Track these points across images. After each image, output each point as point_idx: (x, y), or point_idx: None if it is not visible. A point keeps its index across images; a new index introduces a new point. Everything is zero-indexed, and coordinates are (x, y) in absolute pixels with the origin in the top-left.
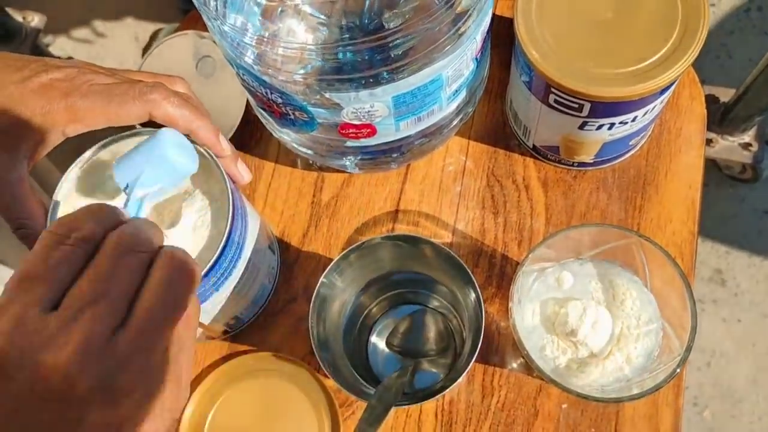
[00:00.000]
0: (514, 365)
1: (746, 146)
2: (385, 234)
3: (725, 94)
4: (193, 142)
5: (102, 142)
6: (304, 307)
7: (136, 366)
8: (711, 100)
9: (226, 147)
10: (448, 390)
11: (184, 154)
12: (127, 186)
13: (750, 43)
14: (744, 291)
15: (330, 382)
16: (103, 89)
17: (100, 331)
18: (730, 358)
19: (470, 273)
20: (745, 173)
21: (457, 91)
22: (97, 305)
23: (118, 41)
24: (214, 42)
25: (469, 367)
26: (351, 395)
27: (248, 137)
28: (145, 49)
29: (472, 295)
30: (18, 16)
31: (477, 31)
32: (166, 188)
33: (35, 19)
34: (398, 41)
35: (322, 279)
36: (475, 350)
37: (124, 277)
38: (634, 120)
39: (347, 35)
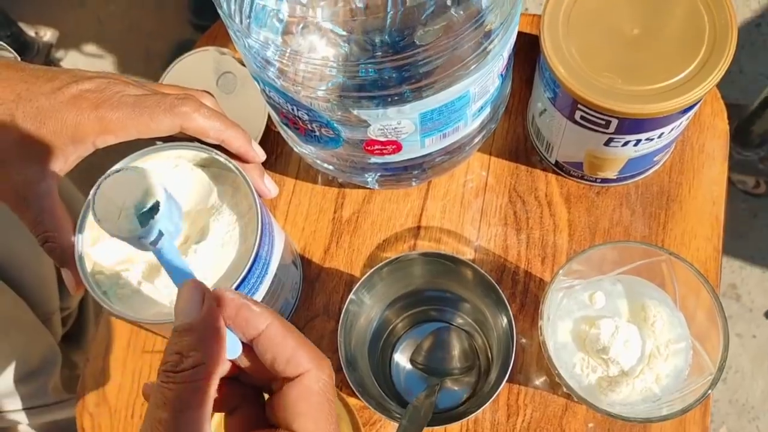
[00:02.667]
0: (539, 383)
1: (761, 161)
2: (421, 250)
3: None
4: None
5: (126, 159)
6: (326, 324)
7: None
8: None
9: (259, 152)
10: (475, 414)
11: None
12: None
13: (761, 57)
14: (759, 306)
15: (353, 401)
16: (133, 101)
17: None
18: (745, 374)
19: (505, 298)
20: (758, 188)
21: (482, 107)
22: None
23: (129, 56)
24: (234, 58)
25: (498, 391)
26: (380, 414)
27: (269, 153)
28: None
29: (504, 319)
30: (30, 31)
31: (504, 48)
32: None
33: (47, 34)
34: (424, 60)
35: (351, 296)
36: (504, 376)
37: None
38: (660, 136)
39: (370, 53)
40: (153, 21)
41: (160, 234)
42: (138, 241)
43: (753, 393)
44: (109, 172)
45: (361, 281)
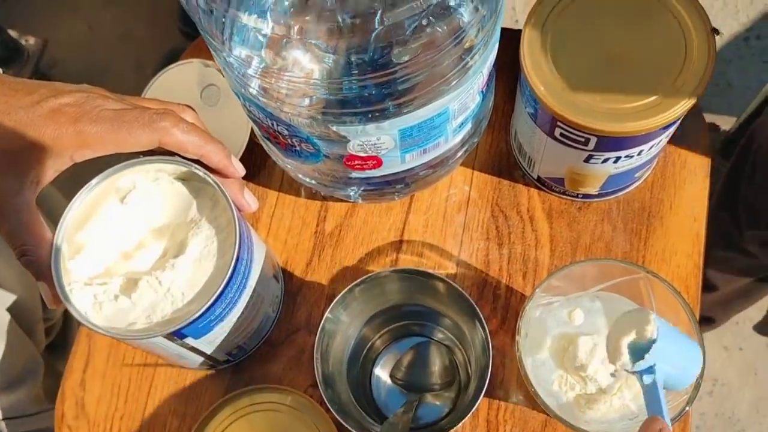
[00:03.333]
0: (519, 399)
1: None
2: (393, 267)
3: (726, 122)
4: (198, 170)
5: (106, 172)
6: (307, 338)
7: None
8: (711, 129)
9: (239, 167)
10: (452, 429)
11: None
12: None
13: (749, 71)
14: (746, 319)
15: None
16: (112, 115)
17: None
18: (732, 386)
19: (480, 313)
20: None
21: (462, 123)
22: None
23: (120, 64)
24: (219, 71)
25: (475, 407)
26: None
27: (252, 165)
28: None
29: (480, 334)
30: (20, 38)
31: (483, 65)
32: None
33: (38, 41)
34: (406, 76)
35: (327, 314)
36: (481, 392)
37: None
38: (639, 154)
39: (353, 69)
40: (144, 29)
41: (651, 369)
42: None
43: (739, 405)
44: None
45: (336, 300)
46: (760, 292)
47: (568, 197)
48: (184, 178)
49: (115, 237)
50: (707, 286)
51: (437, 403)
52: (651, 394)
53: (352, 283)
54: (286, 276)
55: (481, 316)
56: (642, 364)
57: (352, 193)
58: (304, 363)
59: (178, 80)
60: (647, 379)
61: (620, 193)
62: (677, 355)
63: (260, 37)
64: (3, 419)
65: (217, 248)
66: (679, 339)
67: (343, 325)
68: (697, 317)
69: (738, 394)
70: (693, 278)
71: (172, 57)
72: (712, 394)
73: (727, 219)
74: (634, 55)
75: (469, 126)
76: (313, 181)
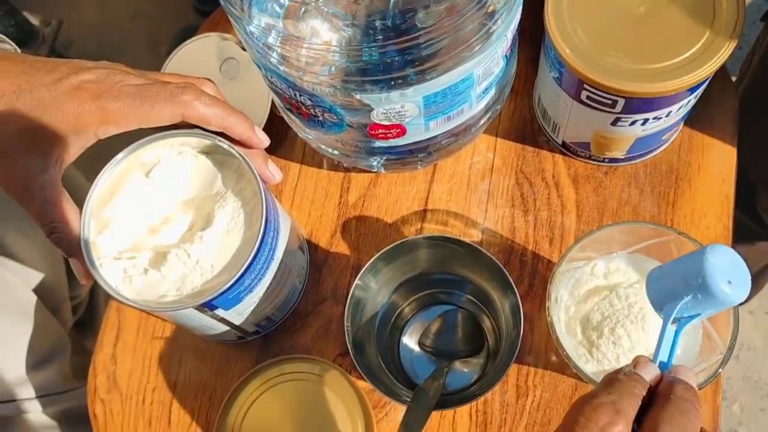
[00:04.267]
0: (547, 360)
1: None
2: (425, 234)
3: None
4: (222, 143)
5: (130, 147)
6: (334, 308)
7: None
8: None
9: (263, 138)
10: (483, 395)
11: (733, 282)
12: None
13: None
14: None
15: (363, 384)
16: (134, 90)
17: None
18: (758, 350)
19: (511, 281)
20: None
21: (486, 89)
22: None
23: (134, 44)
24: (237, 44)
25: (505, 373)
26: (388, 398)
27: (273, 138)
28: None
29: (511, 302)
30: (35, 20)
31: (507, 29)
32: (707, 313)
33: (52, 23)
34: (429, 41)
35: (356, 281)
36: (512, 358)
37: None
38: (668, 115)
39: (375, 35)
40: (157, 7)
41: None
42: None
43: (766, 369)
44: None
45: (366, 266)
46: None
47: (594, 162)
48: (208, 152)
49: (141, 211)
50: None
51: (465, 370)
52: (667, 338)
53: (383, 250)
54: (311, 247)
55: (512, 282)
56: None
57: (374, 163)
58: (332, 333)
59: (197, 55)
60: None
61: (647, 157)
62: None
63: (278, 6)
64: (35, 398)
65: (243, 220)
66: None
67: (372, 292)
68: None
69: (764, 358)
70: (722, 240)
71: (186, 34)
72: (738, 359)
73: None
74: (661, 14)
75: (492, 92)
76: (336, 152)
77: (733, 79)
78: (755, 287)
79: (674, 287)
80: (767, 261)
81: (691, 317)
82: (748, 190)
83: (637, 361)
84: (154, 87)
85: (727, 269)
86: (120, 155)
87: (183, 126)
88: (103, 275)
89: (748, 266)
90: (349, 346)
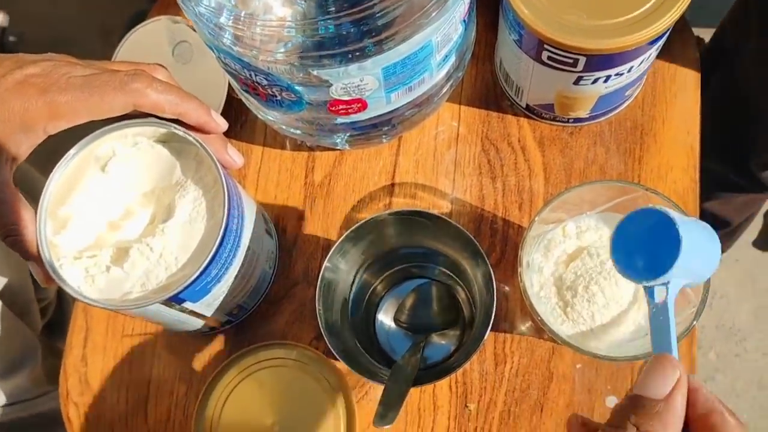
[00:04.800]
0: (525, 329)
1: None
2: (390, 210)
3: (707, 34)
4: (178, 130)
5: (83, 141)
6: (306, 291)
7: None
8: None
9: (221, 122)
10: (461, 367)
11: (703, 259)
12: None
13: None
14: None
15: (340, 365)
16: (82, 82)
17: None
18: (730, 298)
19: (481, 249)
20: None
21: (446, 56)
22: None
23: (85, 34)
24: (189, 26)
25: (481, 344)
26: (366, 379)
27: (233, 121)
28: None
29: (483, 271)
30: None
31: None
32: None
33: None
34: (384, 10)
35: (325, 263)
36: (487, 328)
37: None
38: (629, 71)
39: (328, 8)
40: None
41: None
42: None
43: (739, 316)
44: None
45: (333, 248)
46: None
47: (559, 123)
48: (164, 140)
49: (99, 207)
50: (723, 224)
51: (443, 342)
52: (660, 317)
53: (349, 230)
54: (280, 231)
55: (483, 252)
56: (660, 280)
57: (338, 141)
58: (306, 316)
59: (147, 41)
60: (659, 295)
61: (611, 114)
62: (698, 253)
63: None
64: (7, 405)
65: (206, 209)
66: (697, 230)
67: (342, 273)
68: None
69: (737, 305)
70: (691, 193)
71: (138, 20)
72: (711, 307)
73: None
74: None
75: (453, 59)
76: (298, 132)
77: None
78: (732, 238)
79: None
80: (748, 213)
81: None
82: (743, 147)
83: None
84: (103, 76)
85: (698, 245)
86: (72, 151)
87: (136, 115)
88: (64, 276)
89: (728, 216)
90: (322, 331)
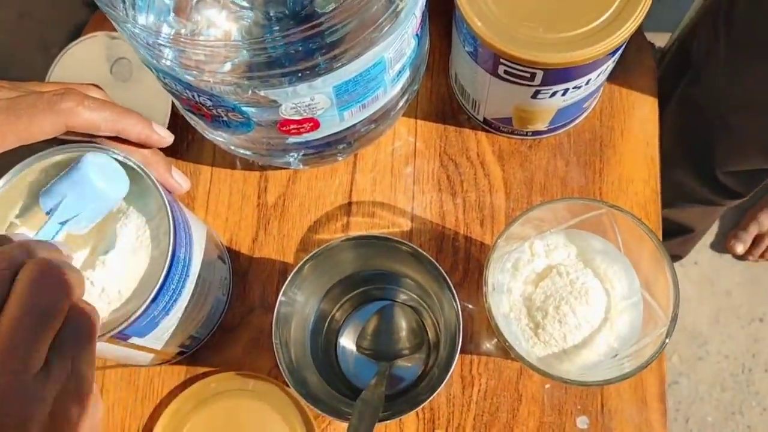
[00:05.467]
0: (490, 347)
1: None
2: (345, 235)
3: (660, 39)
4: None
5: (12, 171)
6: (263, 318)
7: None
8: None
9: (165, 135)
10: (428, 401)
11: (110, 178)
12: (50, 212)
13: None
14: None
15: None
16: (6, 105)
17: None
18: (690, 301)
19: (447, 278)
20: None
21: (400, 71)
22: None
23: (23, 47)
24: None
25: (449, 375)
26: (330, 417)
27: (179, 141)
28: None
29: (447, 296)
30: None
31: (415, 7)
32: (94, 215)
33: None
34: (333, 26)
35: (280, 297)
36: (452, 360)
37: None
38: (587, 83)
39: (274, 25)
40: (45, 6)
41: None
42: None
43: (700, 319)
44: None
45: (287, 280)
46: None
47: (518, 136)
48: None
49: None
50: (684, 230)
51: (408, 365)
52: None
53: (302, 261)
54: (233, 255)
55: (449, 280)
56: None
57: (291, 160)
58: (264, 344)
59: (84, 58)
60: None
61: (570, 126)
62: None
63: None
64: None
65: (150, 237)
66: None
67: (299, 305)
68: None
69: (697, 308)
70: (652, 204)
71: (79, 33)
72: None
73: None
74: None
75: (407, 73)
76: (248, 152)
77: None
78: (696, 241)
79: (59, 190)
80: (711, 220)
81: (77, 216)
82: (709, 157)
83: None
84: (30, 98)
85: (102, 167)
86: (1, 181)
87: (71, 140)
88: None
89: (690, 223)
90: (282, 371)
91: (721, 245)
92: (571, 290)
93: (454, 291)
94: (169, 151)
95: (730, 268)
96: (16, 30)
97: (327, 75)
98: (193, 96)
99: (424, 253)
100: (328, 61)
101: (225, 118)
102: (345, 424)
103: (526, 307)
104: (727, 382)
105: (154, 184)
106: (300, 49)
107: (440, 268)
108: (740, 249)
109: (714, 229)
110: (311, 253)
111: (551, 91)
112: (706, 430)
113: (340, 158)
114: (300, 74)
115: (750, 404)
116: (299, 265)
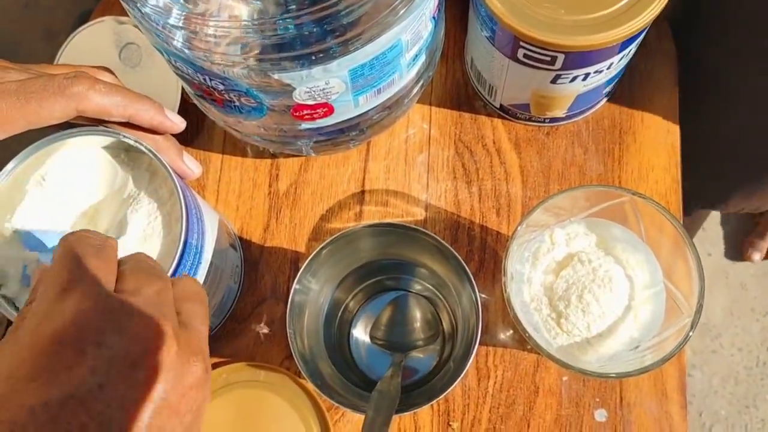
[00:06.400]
0: (507, 340)
1: None
2: (363, 222)
3: None
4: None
5: (22, 154)
6: (275, 307)
7: None
8: None
9: (177, 120)
10: (444, 394)
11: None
12: None
13: None
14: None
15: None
16: (17, 87)
17: None
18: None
19: (466, 267)
20: None
21: (416, 55)
22: None
23: (29, 36)
24: (137, 26)
25: (466, 369)
26: (345, 408)
27: (188, 128)
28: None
29: (468, 294)
30: None
31: None
32: None
33: None
34: (348, 8)
35: (295, 285)
36: (471, 351)
37: None
38: (609, 68)
39: (288, 5)
40: None
41: None
42: None
43: (713, 311)
44: None
45: (303, 267)
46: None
47: (535, 123)
48: (114, 150)
49: (43, 225)
50: None
51: (422, 356)
52: None
53: (319, 246)
54: (244, 244)
55: (469, 272)
56: None
57: (303, 147)
58: (276, 334)
59: (92, 43)
60: None
61: (589, 113)
62: None
63: None
64: None
65: (162, 223)
66: None
67: (313, 294)
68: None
69: (710, 300)
70: (673, 193)
71: (85, 21)
72: None
73: None
74: None
75: (423, 58)
76: (259, 138)
77: None
78: (695, 225)
79: None
80: (698, 227)
81: None
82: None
83: None
84: (40, 80)
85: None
86: (10, 164)
87: (82, 123)
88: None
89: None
90: (296, 360)
91: (735, 237)
92: (594, 278)
93: (475, 285)
94: (179, 139)
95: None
96: (21, 18)
97: (342, 58)
98: (205, 80)
99: (448, 245)
100: (343, 43)
101: (237, 103)
102: (359, 416)
103: (548, 297)
104: (741, 375)
105: (167, 169)
106: (313, 31)
107: (463, 262)
108: (757, 257)
109: (727, 221)
110: (330, 239)
111: (572, 76)
112: (719, 423)
113: (352, 146)
114: (314, 57)
115: (764, 397)
116: (317, 249)
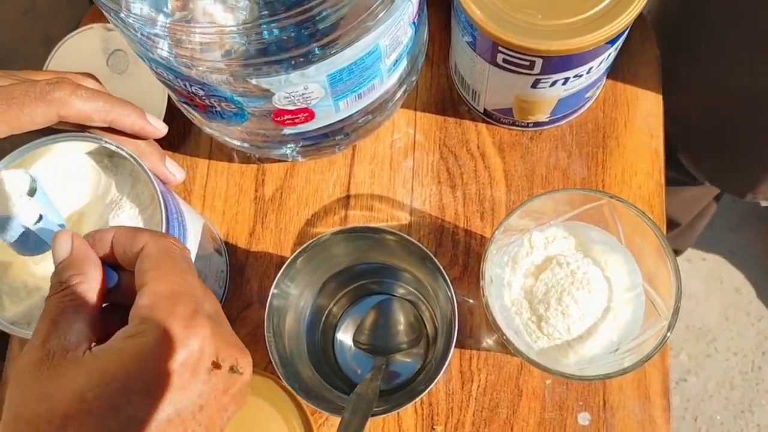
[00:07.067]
0: (490, 342)
1: None
2: (338, 227)
3: None
4: (109, 143)
5: (5, 158)
6: (260, 313)
7: None
8: None
9: (159, 126)
10: (422, 395)
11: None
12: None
13: None
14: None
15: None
16: None
17: None
18: (698, 298)
19: (440, 267)
20: None
21: (397, 60)
22: None
23: (27, 42)
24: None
25: (443, 369)
26: (325, 412)
27: (175, 133)
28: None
29: (443, 291)
30: None
31: None
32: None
33: None
34: (326, 12)
35: (272, 290)
36: (448, 353)
37: None
38: (588, 72)
39: (268, 11)
40: (50, 0)
41: None
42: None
43: (708, 315)
44: None
45: (279, 273)
46: (712, 207)
47: (518, 128)
48: (96, 155)
49: None
50: (669, 224)
51: (407, 360)
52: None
53: (293, 254)
54: (230, 249)
55: (442, 268)
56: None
57: (288, 152)
58: (261, 339)
59: (80, 50)
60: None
61: (572, 117)
62: None
63: None
64: None
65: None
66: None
67: (293, 298)
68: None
69: (705, 304)
70: (656, 197)
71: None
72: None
73: None
74: None
75: (404, 63)
76: (245, 144)
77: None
78: (690, 235)
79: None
80: (699, 208)
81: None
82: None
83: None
84: (22, 86)
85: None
86: None
87: (64, 129)
88: None
89: (679, 215)
90: (274, 362)
91: (729, 240)
92: (573, 280)
93: (446, 275)
94: (166, 144)
95: (739, 263)
96: (20, 26)
97: (320, 63)
98: (185, 86)
99: (417, 243)
100: (322, 48)
101: (218, 109)
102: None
103: (528, 301)
104: (736, 379)
105: (147, 174)
106: (293, 35)
107: (432, 256)
108: None
109: (721, 224)
110: (302, 247)
111: (551, 80)
112: (714, 428)
113: (337, 150)
114: (293, 62)
115: (759, 402)
116: (291, 258)
